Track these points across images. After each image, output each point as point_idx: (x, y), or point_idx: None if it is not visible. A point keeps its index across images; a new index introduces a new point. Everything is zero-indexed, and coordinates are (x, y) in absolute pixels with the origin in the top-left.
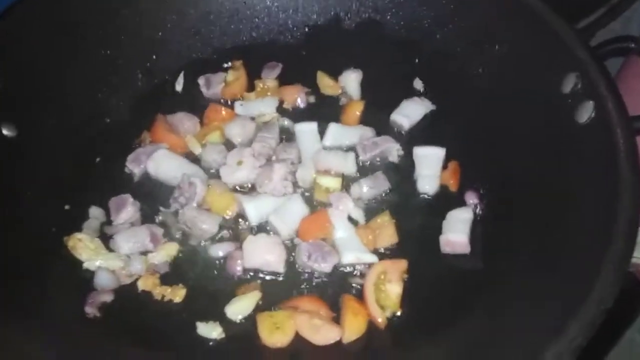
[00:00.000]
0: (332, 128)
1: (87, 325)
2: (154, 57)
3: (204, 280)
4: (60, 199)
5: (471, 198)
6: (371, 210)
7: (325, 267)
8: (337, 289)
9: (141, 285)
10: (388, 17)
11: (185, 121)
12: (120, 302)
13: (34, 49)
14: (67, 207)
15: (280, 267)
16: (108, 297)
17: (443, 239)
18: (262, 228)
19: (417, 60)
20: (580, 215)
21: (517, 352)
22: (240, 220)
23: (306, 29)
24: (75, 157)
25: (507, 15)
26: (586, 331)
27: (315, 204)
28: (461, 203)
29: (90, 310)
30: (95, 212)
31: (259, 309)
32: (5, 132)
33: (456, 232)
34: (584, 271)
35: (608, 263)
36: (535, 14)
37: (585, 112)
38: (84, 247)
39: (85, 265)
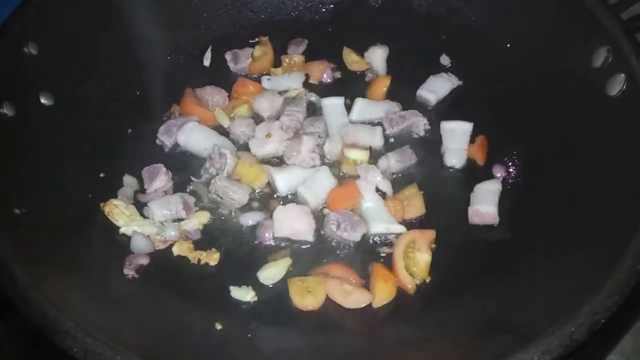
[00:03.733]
0: (359, 102)
1: (126, 284)
2: (183, 32)
3: (235, 247)
4: (95, 168)
5: (499, 171)
6: (399, 183)
7: (355, 236)
8: (364, 258)
9: (176, 250)
10: None
11: (214, 95)
12: (157, 265)
13: (70, 19)
14: (102, 175)
15: (310, 236)
16: (144, 260)
17: (472, 210)
18: (291, 199)
19: (443, 36)
20: (610, 186)
21: (551, 312)
22: (269, 191)
23: (332, 6)
24: (108, 128)
25: None
26: (623, 289)
27: (343, 176)
28: (488, 176)
29: (128, 271)
30: (129, 181)
31: (289, 275)
32: (43, 100)
33: (485, 204)
34: (613, 237)
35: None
36: None
37: (617, 85)
38: (120, 213)
39: (122, 230)
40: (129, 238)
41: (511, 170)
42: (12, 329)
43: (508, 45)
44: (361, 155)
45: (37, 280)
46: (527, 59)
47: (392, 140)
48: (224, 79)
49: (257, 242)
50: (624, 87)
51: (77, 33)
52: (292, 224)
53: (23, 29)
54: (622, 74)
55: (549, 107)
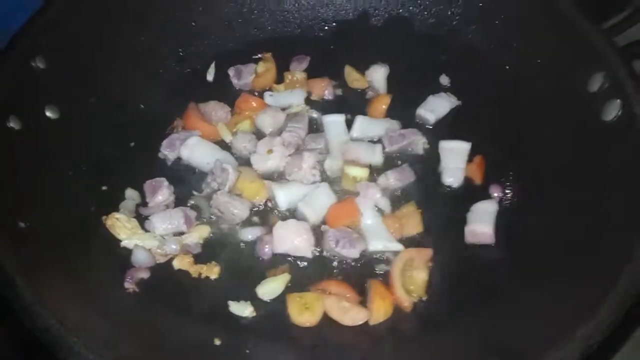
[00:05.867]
0: (359, 120)
1: (126, 299)
2: (187, 46)
3: (234, 261)
4: (97, 180)
5: (496, 191)
6: (397, 201)
7: (353, 253)
8: (362, 274)
9: (177, 264)
10: (416, 14)
11: (217, 110)
12: (157, 279)
13: (77, 33)
14: (104, 187)
15: (308, 252)
16: (145, 274)
17: (468, 229)
18: (291, 215)
19: (443, 57)
20: (605, 210)
21: (545, 334)
22: (269, 206)
23: (335, 24)
24: (111, 141)
25: (534, 15)
26: (615, 316)
27: (342, 193)
28: (485, 196)
29: (129, 285)
30: (131, 194)
31: (287, 290)
32: (49, 113)
33: (481, 223)
34: (609, 260)
35: (636, 252)
36: (562, 14)
37: (612, 110)
38: (122, 227)
39: (123, 243)
40: (130, 251)
41: (508, 190)
42: (11, 331)
43: (507, 67)
44: (361, 173)
45: (41, 294)
46: (525, 81)
47: (392, 156)
48: (226, 94)
49: (256, 256)
50: (620, 112)
51: (83, 47)
52: (291, 239)
53: (32, 44)
54: (618, 100)
55: (546, 129)
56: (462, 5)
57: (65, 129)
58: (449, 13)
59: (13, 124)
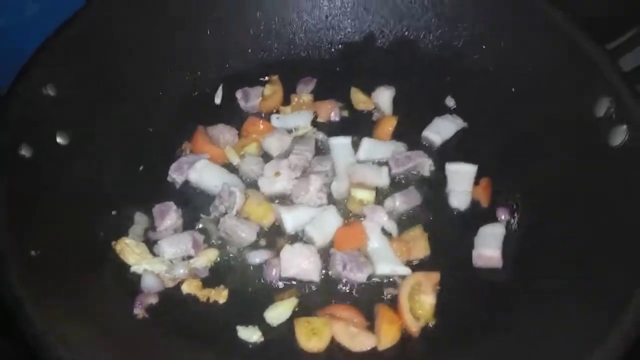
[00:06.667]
0: (366, 142)
1: (135, 325)
2: (195, 70)
3: (242, 285)
4: (107, 205)
5: (503, 214)
6: (403, 223)
7: (360, 277)
8: (370, 298)
9: (186, 288)
10: (421, 36)
11: (224, 133)
12: (166, 304)
13: (86, 59)
14: (113, 212)
15: (316, 276)
16: (154, 300)
17: (475, 253)
18: (298, 237)
19: (449, 78)
20: (613, 234)
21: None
22: (277, 229)
23: (341, 46)
24: (120, 165)
25: (540, 38)
26: (624, 342)
27: (349, 216)
28: (492, 218)
29: (138, 312)
30: (140, 218)
31: (295, 315)
32: (59, 140)
33: (489, 247)
34: (617, 286)
35: None
36: (568, 37)
37: (619, 136)
38: (131, 252)
39: (133, 268)
40: (139, 276)
41: (515, 213)
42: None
43: (513, 90)
44: (368, 196)
45: (51, 322)
46: (532, 104)
47: (399, 178)
48: (234, 116)
49: (264, 280)
50: (627, 138)
51: (93, 73)
52: (298, 263)
53: (43, 72)
54: (625, 125)
55: (552, 152)
56: (467, 27)
57: (75, 154)
58: (454, 35)
59: (25, 151)
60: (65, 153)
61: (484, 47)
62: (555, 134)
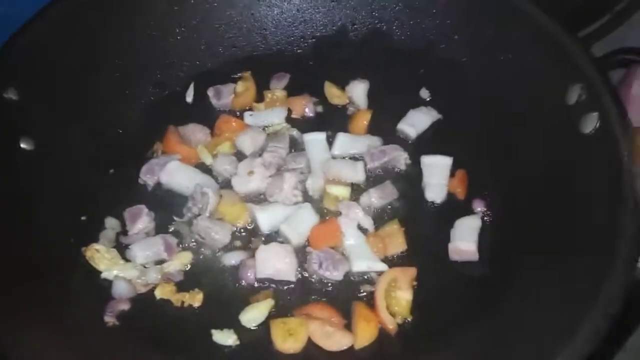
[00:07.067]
0: (340, 137)
1: (106, 333)
2: (165, 68)
3: (217, 288)
4: (76, 210)
5: (479, 206)
6: (380, 219)
7: (337, 275)
8: (347, 296)
9: (159, 293)
10: (394, 27)
11: (196, 132)
12: (137, 310)
13: (49, 62)
14: (83, 218)
15: (292, 276)
16: (125, 306)
17: (452, 247)
18: (273, 237)
19: (422, 70)
20: (586, 223)
21: (532, 351)
22: (251, 229)
23: (313, 40)
24: (89, 169)
25: (510, 27)
26: (594, 336)
27: (325, 213)
28: (469, 211)
29: (109, 319)
30: (111, 223)
31: (272, 316)
32: (23, 145)
33: (465, 240)
34: (590, 276)
35: (614, 268)
36: (539, 26)
37: (590, 123)
38: (101, 258)
39: (103, 275)
40: (110, 282)
41: (491, 204)
42: None
43: (485, 80)
44: (343, 192)
45: (18, 332)
46: (505, 94)
47: (374, 172)
48: (206, 115)
49: (239, 282)
50: (597, 125)
51: (57, 76)
52: (274, 263)
53: (3, 76)
54: (596, 113)
55: (527, 141)
56: (437, 18)
57: (41, 159)
58: (426, 26)
59: None
60: (30, 158)
61: (456, 37)
62: (530, 124)
